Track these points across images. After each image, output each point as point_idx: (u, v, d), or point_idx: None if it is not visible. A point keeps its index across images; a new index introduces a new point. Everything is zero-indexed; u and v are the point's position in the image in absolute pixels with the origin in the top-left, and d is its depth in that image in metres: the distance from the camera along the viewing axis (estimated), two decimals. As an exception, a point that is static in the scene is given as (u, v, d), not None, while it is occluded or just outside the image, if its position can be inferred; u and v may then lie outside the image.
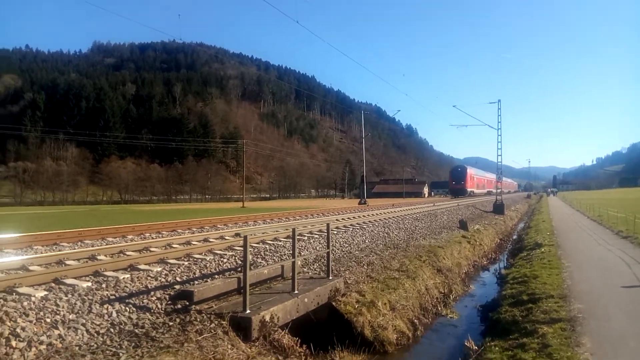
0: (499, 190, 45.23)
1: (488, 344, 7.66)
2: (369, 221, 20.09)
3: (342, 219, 20.19)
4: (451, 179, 70.67)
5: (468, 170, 69.47)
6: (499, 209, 39.86)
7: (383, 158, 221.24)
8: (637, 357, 6.05)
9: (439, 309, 11.56)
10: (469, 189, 67.71)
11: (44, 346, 5.16)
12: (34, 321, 5.58)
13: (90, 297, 6.59)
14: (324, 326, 8.62)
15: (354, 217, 21.06)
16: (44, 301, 6.18)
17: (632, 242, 18.07)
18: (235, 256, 10.32)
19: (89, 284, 7.17)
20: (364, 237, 15.62)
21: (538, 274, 12.16)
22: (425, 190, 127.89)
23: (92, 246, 10.78)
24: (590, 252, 15.91)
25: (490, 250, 22.70)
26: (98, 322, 6.00)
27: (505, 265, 18.90)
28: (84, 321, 5.92)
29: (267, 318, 6.87)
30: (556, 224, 28.59)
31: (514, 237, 29.95)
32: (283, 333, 7.17)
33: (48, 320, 5.70)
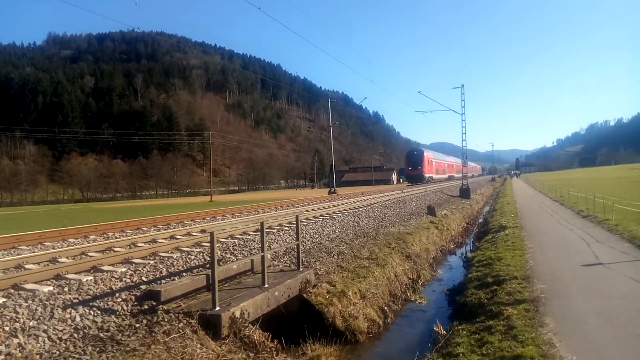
0: (463, 175, 46.23)
1: (455, 327, 7.85)
2: (339, 211, 20.19)
3: (312, 209, 20.21)
4: (407, 165, 65.29)
5: (425, 154, 63.75)
6: (465, 193, 40.79)
7: (351, 146, 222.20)
8: (595, 334, 6.31)
9: (408, 294, 11.77)
10: (427, 175, 62.80)
11: (2, 357, 4.95)
12: (-9, 331, 5.35)
13: (52, 302, 6.38)
14: (296, 319, 8.64)
15: (323, 207, 21.11)
16: (2, 309, 5.94)
17: (591, 221, 18.85)
18: (203, 252, 10.17)
19: (51, 288, 6.94)
20: (334, 227, 15.69)
21: (502, 256, 12.52)
22: (394, 177, 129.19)
23: (53, 248, 10.40)
24: (552, 233, 16.49)
25: (457, 235, 23.23)
26: (61, 328, 5.81)
27: (471, 248, 19.38)
28: (46, 327, 5.73)
29: (237, 314, 6.81)
30: (520, 206, 29.47)
31: (480, 220, 30.73)
32: (254, 329, 7.14)
33: (7, 328, 5.48)
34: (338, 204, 23.13)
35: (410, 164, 64.01)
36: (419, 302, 11.50)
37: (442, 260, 17.56)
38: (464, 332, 7.39)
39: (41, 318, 5.91)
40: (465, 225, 27.35)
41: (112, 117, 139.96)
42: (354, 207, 22.00)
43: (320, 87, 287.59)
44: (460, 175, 79.11)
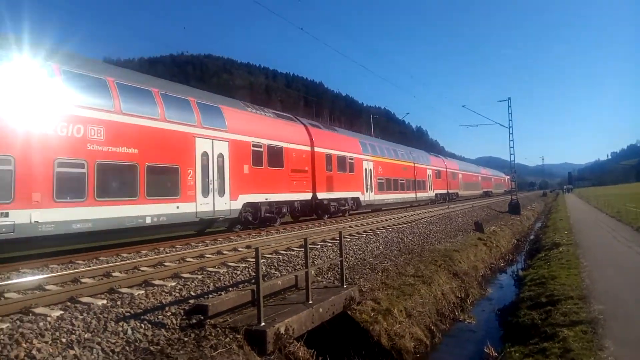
0: (512, 190, 44.64)
1: (508, 349, 7.53)
2: (382, 227, 19.96)
3: (355, 225, 20.08)
4: None
5: None
6: (514, 209, 39.46)
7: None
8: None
9: (456, 314, 11.41)
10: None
11: (60, 368, 5.16)
12: (50, 342, 5.60)
13: (106, 315, 6.61)
14: (340, 336, 8.54)
15: (366, 223, 20.94)
16: (59, 321, 6.22)
17: (652, 238, 17.72)
18: (248, 268, 10.30)
19: (104, 301, 7.21)
20: (377, 244, 15.50)
21: (556, 274, 11.95)
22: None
23: (107, 263, 10.84)
24: (609, 250, 15.58)
25: (507, 252, 22.40)
26: (113, 341, 6.00)
27: (522, 266, 18.62)
28: (100, 340, 5.92)
29: (282, 330, 6.81)
30: (574, 222, 28.12)
31: (532, 237, 29.52)
32: (298, 345, 7.10)
33: (64, 340, 5.72)
34: (381, 220, 22.88)
35: None
36: (468, 322, 11.12)
37: (492, 278, 16.95)
38: (517, 355, 7.07)
39: (95, 331, 6.14)
40: (515, 242, 26.34)
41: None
42: (398, 223, 21.69)
43: (362, 103, 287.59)
44: (412, 195, 38.87)
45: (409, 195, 37.04)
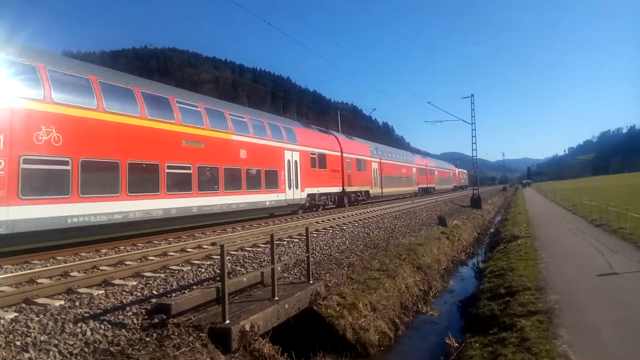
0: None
1: (468, 340, 7.76)
2: (349, 222, 20.12)
3: (322, 220, 20.16)
4: None
5: None
6: (476, 203, 40.61)
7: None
8: (612, 345, 6.19)
9: (420, 306, 11.66)
10: None
11: (14, 372, 4.97)
12: (3, 345, 5.39)
13: (63, 316, 6.41)
14: (306, 331, 8.58)
15: (333, 219, 21.06)
16: (13, 323, 5.98)
17: (605, 230, 18.61)
18: (213, 265, 10.18)
19: (62, 302, 6.99)
20: (344, 239, 15.62)
21: (515, 266, 12.38)
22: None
23: (65, 262, 10.48)
24: (565, 242, 16.26)
25: (469, 245, 23.05)
26: (71, 342, 5.82)
27: (483, 258, 19.19)
28: (57, 342, 5.73)
29: (247, 327, 6.78)
30: (532, 216, 29.19)
31: (492, 230, 30.45)
32: (264, 342, 7.09)
33: (18, 343, 5.51)
34: (348, 215, 23.07)
35: None
36: (431, 314, 11.39)
37: (454, 271, 17.40)
38: (477, 345, 7.30)
39: (52, 332, 5.94)
40: (476, 235, 27.13)
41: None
42: (364, 218, 21.93)
43: (330, 98, 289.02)
44: (228, 199, 18.81)
45: (213, 201, 18.16)
